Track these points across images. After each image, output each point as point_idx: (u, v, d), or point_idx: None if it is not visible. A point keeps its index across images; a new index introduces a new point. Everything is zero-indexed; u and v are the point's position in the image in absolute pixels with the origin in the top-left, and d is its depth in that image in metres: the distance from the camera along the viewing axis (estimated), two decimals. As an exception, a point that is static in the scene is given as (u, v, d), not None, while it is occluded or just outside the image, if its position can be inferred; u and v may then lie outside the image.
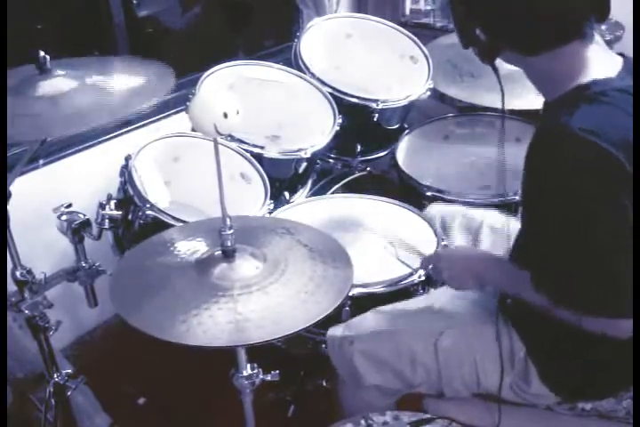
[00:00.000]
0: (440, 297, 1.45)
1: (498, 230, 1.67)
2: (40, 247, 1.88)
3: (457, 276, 1.33)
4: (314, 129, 2.00)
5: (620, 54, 1.16)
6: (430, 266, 1.42)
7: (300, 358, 1.82)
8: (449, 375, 1.34)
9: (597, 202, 1.02)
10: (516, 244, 1.33)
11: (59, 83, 1.27)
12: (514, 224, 1.34)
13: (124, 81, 1.33)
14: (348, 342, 1.39)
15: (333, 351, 1.43)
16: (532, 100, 1.89)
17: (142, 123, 2.11)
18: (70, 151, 2.05)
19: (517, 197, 1.81)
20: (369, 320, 1.43)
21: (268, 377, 1.26)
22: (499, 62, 1.17)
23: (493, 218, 1.72)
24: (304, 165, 1.97)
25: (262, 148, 1.85)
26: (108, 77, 1.33)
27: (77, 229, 1.40)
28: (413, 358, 1.35)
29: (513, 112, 2.09)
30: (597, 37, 1.11)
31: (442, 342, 1.33)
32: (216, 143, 1.05)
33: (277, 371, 1.27)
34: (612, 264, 1.05)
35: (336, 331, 1.44)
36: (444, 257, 1.39)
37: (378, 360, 1.37)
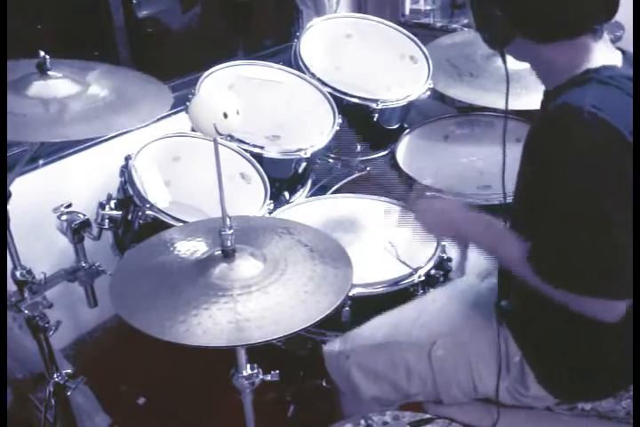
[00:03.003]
0: (432, 305, 1.45)
1: None
2: (40, 247, 1.88)
3: (430, 219, 1.32)
4: (314, 129, 2.00)
5: (619, 49, 1.17)
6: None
7: (300, 358, 1.82)
8: (445, 383, 1.34)
9: (605, 178, 1.03)
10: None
11: (56, 85, 1.26)
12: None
13: (120, 96, 1.31)
14: (345, 356, 1.39)
15: (331, 366, 1.43)
16: (532, 100, 1.89)
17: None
18: (70, 151, 2.05)
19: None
20: (364, 334, 1.43)
21: (268, 377, 1.26)
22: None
23: None
24: (304, 165, 1.97)
25: (262, 148, 1.85)
26: (106, 90, 1.31)
27: (77, 229, 1.40)
28: (408, 368, 1.34)
29: (512, 112, 2.09)
30: (605, 35, 1.13)
31: (435, 352, 1.33)
32: (216, 143, 1.05)
33: (277, 371, 1.27)
34: (614, 241, 1.04)
35: (333, 346, 1.44)
36: (425, 200, 1.38)
37: (374, 373, 1.37)
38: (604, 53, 1.12)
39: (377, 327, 1.43)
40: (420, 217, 1.34)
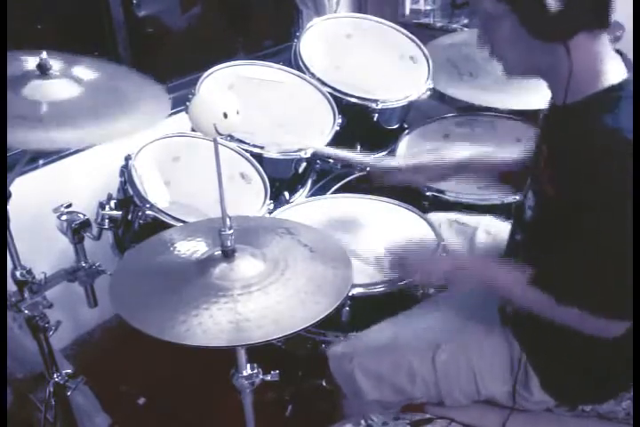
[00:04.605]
0: (436, 309, 1.45)
1: (493, 235, 1.67)
2: (40, 247, 1.87)
3: (452, 276, 1.30)
4: (314, 129, 2.00)
5: (617, 51, 1.13)
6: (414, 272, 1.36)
7: (300, 358, 1.82)
8: (448, 388, 1.33)
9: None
10: (512, 243, 1.32)
11: (57, 86, 1.23)
12: (507, 228, 1.33)
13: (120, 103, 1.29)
14: (348, 358, 1.38)
15: (335, 368, 1.42)
16: (530, 100, 1.90)
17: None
18: (70, 151, 2.05)
19: (518, 198, 1.81)
20: (368, 336, 1.43)
21: (268, 377, 1.26)
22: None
23: (488, 223, 1.72)
24: (304, 165, 1.97)
25: (262, 148, 1.85)
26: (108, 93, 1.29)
27: (77, 229, 1.40)
28: (412, 372, 1.34)
29: (512, 112, 2.09)
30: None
31: (439, 356, 1.33)
32: (216, 143, 1.05)
33: (277, 371, 1.27)
34: (624, 264, 1.03)
35: (337, 348, 1.43)
36: (433, 261, 1.35)
37: (377, 376, 1.36)
38: (615, 61, 1.08)
39: (381, 330, 1.42)
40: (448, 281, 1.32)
